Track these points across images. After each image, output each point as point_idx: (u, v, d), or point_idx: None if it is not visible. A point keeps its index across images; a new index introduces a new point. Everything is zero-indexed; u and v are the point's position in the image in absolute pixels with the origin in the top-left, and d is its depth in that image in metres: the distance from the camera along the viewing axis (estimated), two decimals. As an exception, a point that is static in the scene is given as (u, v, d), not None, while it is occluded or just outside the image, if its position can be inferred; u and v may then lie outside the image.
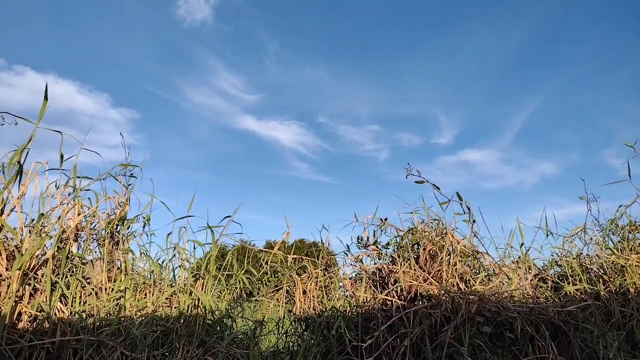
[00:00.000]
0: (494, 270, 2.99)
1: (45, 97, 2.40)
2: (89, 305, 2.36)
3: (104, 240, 2.65)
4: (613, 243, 3.53)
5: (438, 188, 3.05)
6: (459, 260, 2.88)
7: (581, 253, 3.48)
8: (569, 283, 3.11)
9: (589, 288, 3.05)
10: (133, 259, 2.79)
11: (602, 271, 3.25)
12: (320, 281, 2.91)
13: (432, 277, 2.78)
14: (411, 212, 3.14)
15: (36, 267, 2.29)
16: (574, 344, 2.59)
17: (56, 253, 2.36)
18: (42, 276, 2.28)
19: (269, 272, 3.09)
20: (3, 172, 2.37)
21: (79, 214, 2.58)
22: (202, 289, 2.65)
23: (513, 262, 3.16)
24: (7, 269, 2.21)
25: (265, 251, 3.09)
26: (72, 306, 2.31)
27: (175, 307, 2.53)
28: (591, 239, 3.51)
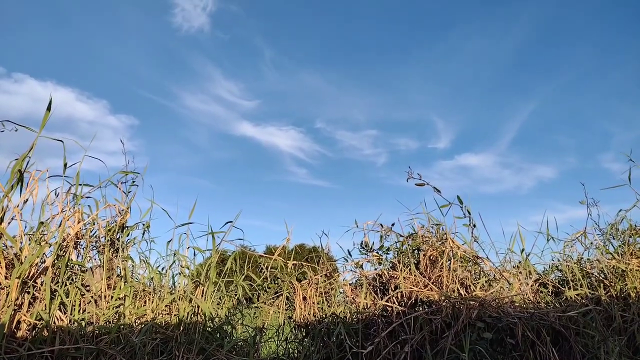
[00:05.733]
0: (494, 275, 2.98)
1: (48, 109, 2.41)
2: (88, 313, 2.35)
3: (103, 248, 2.64)
4: (614, 247, 3.52)
5: (439, 191, 3.04)
6: (459, 266, 2.87)
7: (582, 258, 3.47)
8: (569, 288, 3.10)
9: (589, 293, 3.04)
10: (133, 266, 2.79)
11: (603, 276, 3.24)
12: (320, 287, 2.91)
13: (432, 283, 2.78)
14: (412, 218, 3.13)
15: (35, 276, 2.29)
16: (575, 349, 2.58)
17: (56, 261, 2.36)
18: (41, 284, 2.27)
19: (269, 278, 3.08)
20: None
21: (79, 222, 2.58)
22: (202, 296, 2.64)
23: (514, 267, 3.16)
24: (6, 278, 2.21)
25: (265, 257, 3.09)
26: (71, 314, 2.30)
27: (175, 315, 2.52)
28: (592, 243, 3.50)
